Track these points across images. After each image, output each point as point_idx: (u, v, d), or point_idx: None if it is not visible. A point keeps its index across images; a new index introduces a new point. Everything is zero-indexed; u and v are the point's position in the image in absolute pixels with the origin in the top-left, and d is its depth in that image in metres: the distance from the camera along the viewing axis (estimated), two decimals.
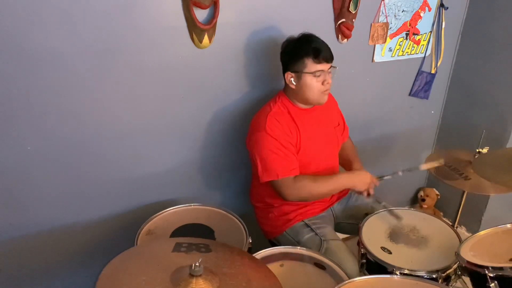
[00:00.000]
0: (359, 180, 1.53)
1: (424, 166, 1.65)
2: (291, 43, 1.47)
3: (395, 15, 1.93)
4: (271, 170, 1.42)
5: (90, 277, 1.66)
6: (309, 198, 1.52)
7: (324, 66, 1.42)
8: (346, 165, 1.72)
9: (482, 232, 1.29)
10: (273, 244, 1.64)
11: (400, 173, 1.60)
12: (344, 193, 1.73)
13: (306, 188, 1.45)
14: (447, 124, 2.38)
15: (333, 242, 1.47)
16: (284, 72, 1.48)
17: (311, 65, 1.41)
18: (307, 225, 1.55)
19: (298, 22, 1.65)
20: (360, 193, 1.55)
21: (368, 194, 1.56)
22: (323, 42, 1.45)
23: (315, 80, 1.42)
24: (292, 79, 1.45)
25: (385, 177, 1.60)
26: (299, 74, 1.43)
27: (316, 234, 1.51)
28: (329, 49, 1.44)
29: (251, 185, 1.73)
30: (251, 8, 1.58)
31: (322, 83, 1.44)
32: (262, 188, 1.61)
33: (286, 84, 1.51)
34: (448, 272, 1.28)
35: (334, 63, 1.47)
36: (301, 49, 1.42)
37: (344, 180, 1.52)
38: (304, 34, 1.47)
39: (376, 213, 1.55)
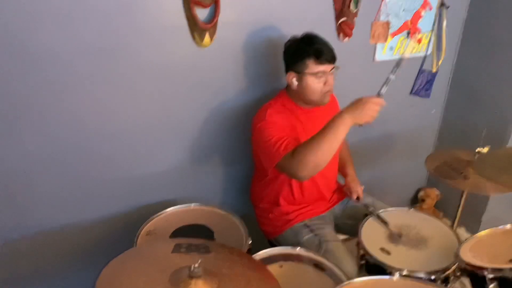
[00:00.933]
0: (357, 111, 1.24)
1: (407, 53, 1.45)
2: (293, 43, 1.46)
3: (396, 14, 1.92)
4: (274, 153, 1.34)
5: (90, 277, 1.65)
6: (317, 162, 1.26)
7: (326, 67, 1.41)
8: (340, 167, 1.72)
9: (481, 233, 1.29)
10: (273, 245, 1.65)
11: (392, 76, 1.34)
12: (344, 194, 1.73)
13: (306, 155, 1.25)
14: (448, 123, 2.38)
15: (332, 243, 1.47)
16: (286, 72, 1.48)
17: (312, 66, 1.40)
18: (307, 226, 1.55)
19: (299, 21, 1.65)
20: (350, 197, 1.57)
21: (357, 198, 1.56)
22: (326, 42, 1.44)
23: (316, 81, 1.42)
24: (294, 79, 1.45)
25: (383, 90, 1.34)
26: (300, 74, 1.43)
27: (316, 235, 1.51)
28: (331, 49, 1.43)
29: (252, 185, 1.73)
30: (252, 7, 1.57)
31: (324, 84, 1.43)
32: (262, 188, 1.61)
33: (287, 84, 1.50)
34: (447, 273, 1.28)
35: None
36: (303, 50, 1.41)
37: (340, 121, 1.24)
38: (307, 34, 1.46)
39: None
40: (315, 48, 1.40)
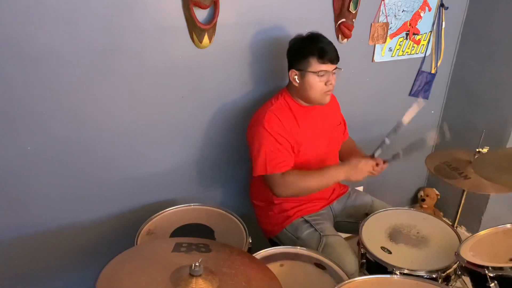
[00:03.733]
0: (359, 168, 1.44)
1: (406, 117, 1.49)
2: (298, 41, 1.48)
3: (395, 15, 1.93)
4: (262, 165, 1.44)
5: (90, 277, 1.65)
6: (299, 193, 1.48)
7: (329, 67, 1.43)
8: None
9: (482, 232, 1.29)
10: (273, 244, 1.65)
11: (387, 141, 1.47)
12: (344, 191, 1.73)
13: (294, 184, 1.43)
14: (447, 124, 2.38)
15: (332, 237, 1.47)
16: (289, 69, 1.49)
17: (315, 65, 1.41)
18: (307, 221, 1.56)
19: (298, 22, 1.66)
20: (358, 180, 1.45)
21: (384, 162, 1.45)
22: (330, 43, 1.45)
23: (318, 79, 1.43)
24: (296, 77, 1.46)
25: (376, 153, 1.49)
26: (303, 72, 1.44)
27: (316, 229, 1.51)
28: (335, 50, 1.45)
29: (251, 183, 1.73)
30: (251, 8, 1.58)
31: (325, 84, 1.44)
32: (261, 185, 1.61)
33: (289, 81, 1.51)
34: (448, 272, 1.28)
35: None
36: (307, 48, 1.43)
37: (339, 173, 1.44)
38: (312, 33, 1.48)
39: (377, 213, 1.55)
40: (319, 47, 1.41)
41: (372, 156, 1.51)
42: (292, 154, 1.48)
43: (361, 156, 1.57)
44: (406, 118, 1.50)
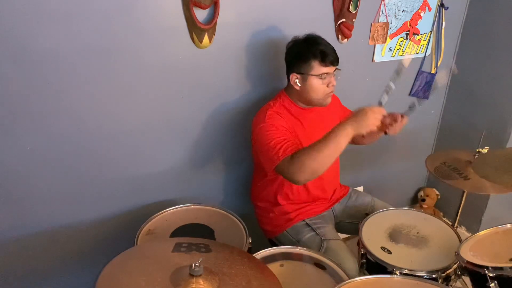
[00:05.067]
0: (359, 121, 1.24)
1: (405, 60, 1.40)
2: (297, 44, 1.46)
3: (395, 15, 1.93)
4: (273, 155, 1.34)
5: (90, 277, 1.66)
6: (317, 168, 1.26)
7: (330, 69, 1.42)
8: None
9: (482, 232, 1.30)
10: (273, 244, 1.65)
11: (392, 84, 1.34)
12: (344, 192, 1.73)
13: (307, 160, 1.25)
14: (447, 124, 2.38)
15: (333, 241, 1.47)
16: (288, 73, 1.48)
17: (318, 68, 1.40)
18: (308, 225, 1.55)
19: (298, 22, 1.66)
20: (372, 130, 1.27)
21: (390, 124, 1.34)
22: (329, 44, 1.45)
23: (320, 82, 1.42)
24: (297, 80, 1.45)
25: (383, 100, 1.36)
26: (304, 75, 1.43)
27: (317, 233, 1.51)
28: (335, 51, 1.44)
29: (252, 183, 1.73)
30: (251, 8, 1.58)
31: (327, 86, 1.44)
32: (263, 187, 1.61)
33: (288, 84, 1.51)
34: (448, 272, 1.28)
35: None
36: (308, 51, 1.41)
37: (342, 130, 1.24)
38: (310, 35, 1.46)
39: (377, 213, 1.55)
40: (321, 50, 1.40)
41: (380, 104, 1.35)
42: (296, 142, 1.42)
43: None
44: (406, 61, 1.41)
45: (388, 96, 1.35)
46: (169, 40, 1.48)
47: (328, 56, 1.40)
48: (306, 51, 1.42)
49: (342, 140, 1.25)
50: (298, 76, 1.44)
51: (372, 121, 1.24)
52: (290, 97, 1.52)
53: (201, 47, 1.52)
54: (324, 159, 1.26)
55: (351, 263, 1.39)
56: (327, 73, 1.42)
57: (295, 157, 1.28)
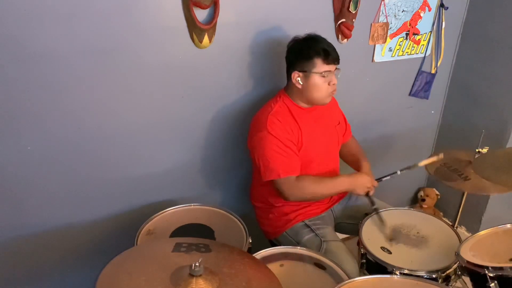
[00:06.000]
0: (360, 183, 1.53)
1: (422, 163, 1.63)
2: (298, 43, 1.47)
3: (395, 15, 1.93)
4: (273, 170, 1.42)
5: (90, 277, 1.66)
6: (310, 198, 1.53)
7: (332, 67, 1.44)
8: (354, 164, 1.70)
9: (482, 232, 1.30)
10: (273, 244, 1.65)
11: (399, 172, 1.60)
12: (344, 193, 1.73)
13: (308, 189, 1.46)
14: (447, 124, 2.38)
15: (333, 243, 1.47)
16: (290, 71, 1.48)
17: (320, 65, 1.41)
18: (307, 226, 1.55)
19: (298, 22, 1.66)
20: (358, 194, 1.56)
21: (367, 194, 1.57)
22: (331, 43, 1.46)
23: (323, 80, 1.43)
24: (299, 78, 1.45)
25: (384, 178, 1.61)
26: (307, 73, 1.43)
27: (316, 235, 1.51)
28: (336, 50, 1.45)
29: (251, 185, 1.73)
30: (251, 8, 1.58)
31: (329, 84, 1.45)
32: (262, 188, 1.61)
33: (289, 83, 1.51)
34: (448, 272, 1.28)
35: None
36: (311, 49, 1.42)
37: (345, 183, 1.52)
38: (311, 34, 1.47)
39: (376, 213, 1.55)
40: (324, 48, 1.42)
41: (379, 180, 1.60)
42: (298, 156, 1.48)
43: (367, 170, 1.64)
44: (423, 163, 1.63)
45: (388, 179, 1.61)
46: (169, 40, 1.48)
47: (331, 54, 1.42)
48: (308, 49, 1.43)
49: (339, 190, 1.56)
50: (300, 74, 1.45)
51: (364, 189, 1.53)
52: (290, 96, 1.52)
53: (201, 47, 1.52)
54: (320, 195, 1.54)
55: (351, 265, 1.39)
56: (329, 71, 1.43)
57: (301, 181, 1.45)
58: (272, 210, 1.61)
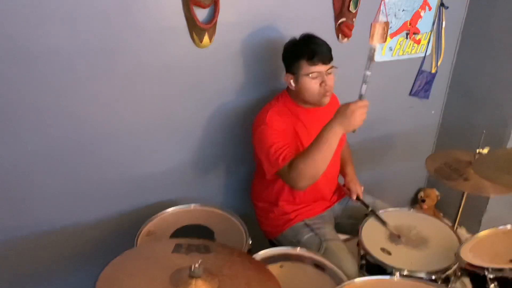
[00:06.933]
0: (346, 119, 1.25)
1: (375, 44, 1.44)
2: (290, 45, 1.47)
3: (395, 15, 1.93)
4: (274, 161, 1.38)
5: (90, 277, 1.65)
6: (315, 171, 1.31)
7: (321, 68, 1.41)
8: (341, 167, 1.73)
9: (482, 233, 1.29)
10: (273, 244, 1.65)
11: (368, 72, 1.31)
12: (344, 193, 1.73)
13: (302, 164, 1.30)
14: (447, 124, 2.38)
15: (332, 242, 1.47)
16: (286, 73, 1.49)
17: (306, 67, 1.40)
18: (307, 225, 1.55)
19: (298, 22, 1.65)
20: (350, 196, 1.58)
21: (357, 198, 1.56)
22: (322, 42, 1.43)
23: (312, 82, 1.42)
24: (291, 80, 1.46)
25: (363, 91, 1.32)
26: (296, 75, 1.44)
27: (316, 234, 1.51)
28: (327, 50, 1.42)
29: (252, 184, 1.73)
30: (251, 7, 1.57)
31: (320, 85, 1.42)
32: (263, 187, 1.61)
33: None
34: (447, 273, 1.28)
35: (334, 62, 1.45)
36: (297, 51, 1.42)
37: (330, 131, 1.26)
38: (304, 35, 1.46)
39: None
40: (309, 49, 1.39)
41: (360, 97, 1.32)
42: (297, 144, 1.45)
43: (352, 175, 1.65)
44: (375, 43, 1.49)
45: (367, 85, 1.33)
46: (169, 40, 1.48)
47: (316, 55, 1.38)
48: (295, 51, 1.43)
49: (332, 141, 1.27)
50: (292, 76, 1.45)
51: (359, 116, 1.25)
52: (291, 97, 1.53)
53: (201, 46, 1.52)
54: (320, 163, 1.30)
55: (350, 264, 1.39)
56: (318, 72, 1.40)
57: (292, 167, 1.33)
58: (273, 209, 1.61)
